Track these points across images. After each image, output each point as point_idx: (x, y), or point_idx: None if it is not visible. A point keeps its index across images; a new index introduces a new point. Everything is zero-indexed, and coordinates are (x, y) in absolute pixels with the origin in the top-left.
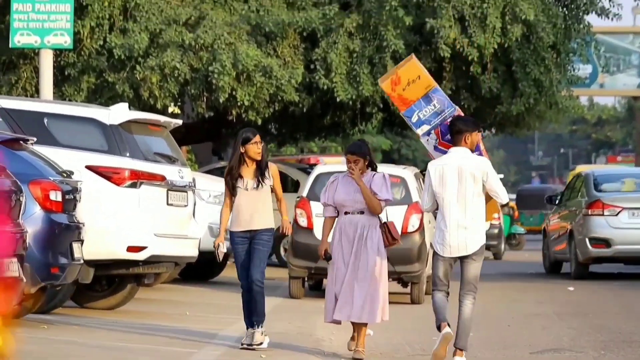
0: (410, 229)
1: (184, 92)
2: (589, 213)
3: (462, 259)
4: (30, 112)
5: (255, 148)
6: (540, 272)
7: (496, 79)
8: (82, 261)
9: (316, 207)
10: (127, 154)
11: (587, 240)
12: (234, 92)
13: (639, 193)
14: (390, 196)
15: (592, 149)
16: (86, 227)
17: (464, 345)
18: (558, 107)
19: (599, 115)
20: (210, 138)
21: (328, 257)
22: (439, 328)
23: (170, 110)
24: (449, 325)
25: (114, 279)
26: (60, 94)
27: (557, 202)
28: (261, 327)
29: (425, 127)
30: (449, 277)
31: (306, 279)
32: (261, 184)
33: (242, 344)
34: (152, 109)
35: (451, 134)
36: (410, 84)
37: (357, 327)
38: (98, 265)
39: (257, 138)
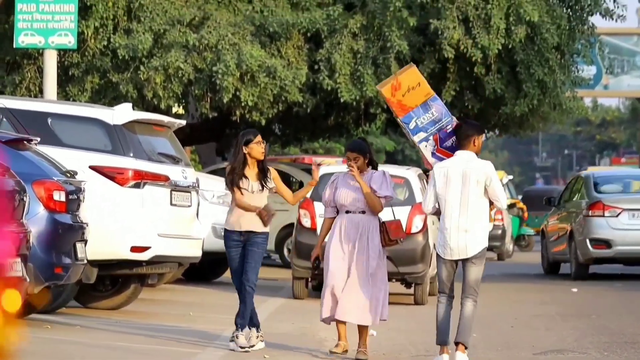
0: (413, 229)
1: (187, 93)
2: (590, 214)
3: (463, 263)
4: (34, 112)
5: (259, 148)
6: (542, 273)
7: (500, 80)
8: (85, 261)
9: (320, 208)
10: (131, 154)
11: (587, 241)
12: (237, 93)
13: (639, 194)
14: (391, 193)
15: (596, 150)
16: (90, 227)
17: (465, 340)
18: (562, 108)
19: (603, 116)
20: (214, 138)
21: (317, 265)
22: (439, 346)
23: (174, 110)
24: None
25: (117, 279)
26: (64, 94)
27: (556, 203)
28: (242, 331)
29: (422, 135)
30: (453, 279)
31: (309, 279)
32: (265, 186)
33: (241, 347)
34: (155, 109)
35: (459, 138)
36: (410, 90)
37: (359, 328)
38: (102, 265)
39: (259, 138)
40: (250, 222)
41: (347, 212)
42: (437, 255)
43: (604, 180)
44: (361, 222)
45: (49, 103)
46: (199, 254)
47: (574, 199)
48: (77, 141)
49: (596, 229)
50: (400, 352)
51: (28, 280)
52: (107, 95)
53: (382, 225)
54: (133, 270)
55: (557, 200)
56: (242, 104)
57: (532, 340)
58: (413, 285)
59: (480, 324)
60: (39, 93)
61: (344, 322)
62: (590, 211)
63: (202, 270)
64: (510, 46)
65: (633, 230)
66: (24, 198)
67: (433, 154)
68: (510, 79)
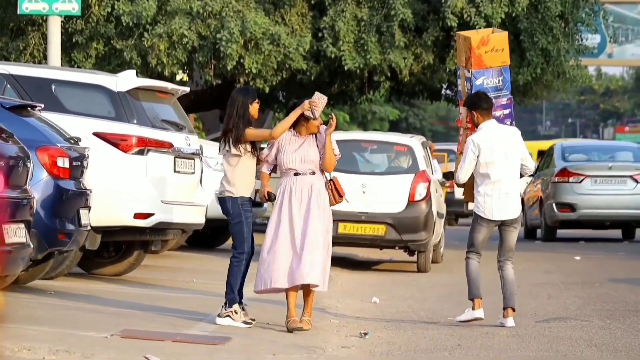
0: (417, 197)
1: (191, 60)
2: (556, 180)
3: (503, 227)
4: (38, 79)
5: (257, 108)
6: (549, 242)
7: None
8: (89, 228)
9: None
10: (135, 121)
11: (554, 205)
12: (241, 60)
13: (601, 163)
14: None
15: (600, 119)
16: (93, 194)
17: (514, 303)
18: (566, 77)
19: (607, 85)
20: (218, 105)
21: (273, 197)
22: (472, 301)
23: (178, 77)
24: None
25: (121, 246)
26: (68, 61)
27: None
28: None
29: None
30: (485, 242)
31: None
32: (255, 150)
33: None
34: (159, 77)
35: (482, 108)
36: (494, 51)
37: (306, 293)
38: (105, 231)
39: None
40: (251, 189)
41: (296, 174)
42: (477, 218)
43: (572, 150)
44: (313, 184)
45: (53, 69)
46: (202, 221)
47: (546, 168)
48: (81, 108)
49: (562, 194)
50: (403, 319)
51: (31, 246)
52: (112, 62)
53: (331, 182)
54: (136, 237)
55: (536, 170)
56: (246, 71)
57: (535, 308)
58: (416, 253)
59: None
60: (43, 59)
61: (295, 290)
62: (556, 178)
63: (206, 237)
64: (513, 15)
65: (595, 195)
66: (28, 164)
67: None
68: (514, 47)
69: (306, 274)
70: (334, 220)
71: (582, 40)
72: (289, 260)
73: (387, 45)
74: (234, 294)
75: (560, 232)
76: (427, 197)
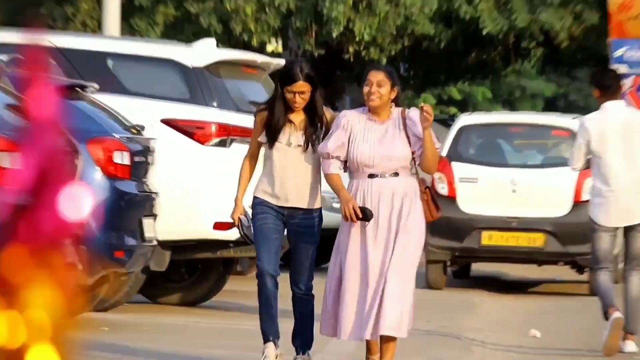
0: (585, 196)
1: (286, 26)
2: None
3: (628, 231)
4: (90, 53)
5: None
6: None
7: None
8: (155, 242)
9: (460, 170)
10: (215, 104)
11: None
12: (350, 25)
13: None
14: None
15: None
16: (161, 198)
17: (636, 328)
18: None
19: None
20: (321, 83)
21: (369, 215)
22: (605, 314)
23: (269, 48)
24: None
25: (196, 266)
26: (129, 30)
27: None
28: (308, 354)
29: (623, 68)
30: (612, 252)
31: (448, 263)
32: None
33: None
34: (246, 47)
35: (612, 87)
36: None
37: (386, 340)
38: (176, 247)
39: None
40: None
41: (370, 175)
42: (594, 224)
43: None
44: (397, 189)
45: (110, 40)
46: None
47: None
48: (145, 88)
49: None
50: (574, 356)
51: (80, 267)
52: (184, 30)
53: (428, 190)
54: (217, 253)
55: None
56: (357, 39)
57: None
58: (587, 270)
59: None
60: (97, 28)
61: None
62: None
63: None
64: None
65: None
66: (76, 161)
67: (623, 94)
68: None
69: (389, 325)
70: (475, 228)
71: None
72: (362, 306)
73: (537, 2)
74: (263, 330)
75: None
76: None
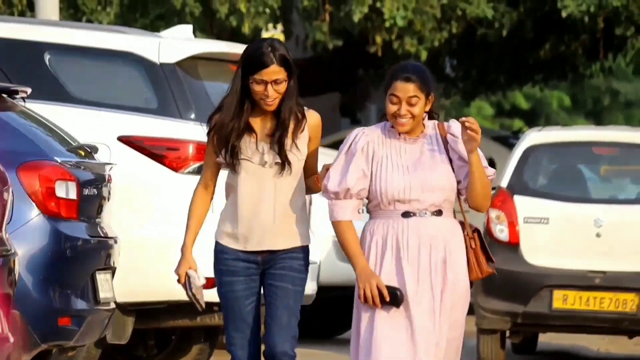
0: None
1: (289, 6)
2: None
3: None
4: (19, 44)
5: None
6: None
7: None
8: (113, 305)
9: (526, 206)
10: (192, 115)
11: None
12: (377, 4)
13: None
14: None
15: None
16: (121, 246)
17: None
18: None
19: None
20: (337, 85)
21: (400, 299)
22: None
23: (265, 36)
24: None
25: (169, 337)
26: (72, 13)
27: None
28: None
29: None
30: None
31: (508, 333)
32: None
33: None
34: (234, 35)
35: None
36: None
37: None
38: (141, 312)
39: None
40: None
41: (405, 214)
42: None
43: None
44: (439, 234)
45: (47, 27)
46: (313, 289)
47: None
48: (96, 94)
49: None
50: None
51: (12, 340)
52: (148, 13)
53: (476, 233)
54: (197, 320)
55: None
56: (386, 25)
57: None
58: None
59: None
60: (27, 10)
61: None
62: None
63: (320, 319)
64: None
65: None
66: (5, 195)
67: None
68: None
69: None
70: (545, 286)
71: None
72: None
73: None
74: None
75: None
76: None
